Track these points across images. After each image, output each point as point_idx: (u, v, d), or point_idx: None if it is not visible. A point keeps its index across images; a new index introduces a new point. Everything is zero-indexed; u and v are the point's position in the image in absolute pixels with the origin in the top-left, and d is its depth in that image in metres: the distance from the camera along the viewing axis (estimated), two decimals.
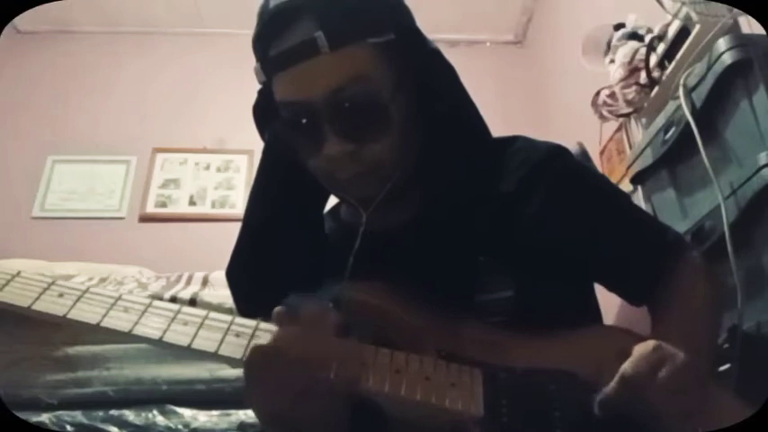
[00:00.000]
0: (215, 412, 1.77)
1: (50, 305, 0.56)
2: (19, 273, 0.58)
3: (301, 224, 0.80)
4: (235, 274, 0.82)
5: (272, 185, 0.80)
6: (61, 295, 0.57)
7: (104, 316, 0.57)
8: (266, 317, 0.64)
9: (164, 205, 3.21)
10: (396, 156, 0.72)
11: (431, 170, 0.75)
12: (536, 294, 0.69)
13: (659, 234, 0.83)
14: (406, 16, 0.76)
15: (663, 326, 0.72)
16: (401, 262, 0.71)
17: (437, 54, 0.75)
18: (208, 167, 3.32)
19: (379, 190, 0.72)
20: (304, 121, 0.70)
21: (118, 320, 0.57)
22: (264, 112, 0.77)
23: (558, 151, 0.81)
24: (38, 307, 0.56)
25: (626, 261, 0.78)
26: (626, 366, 0.57)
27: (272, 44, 0.71)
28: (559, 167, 0.79)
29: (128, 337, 0.57)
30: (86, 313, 0.57)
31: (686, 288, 0.76)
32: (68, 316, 0.56)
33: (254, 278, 0.80)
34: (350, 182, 0.72)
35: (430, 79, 0.74)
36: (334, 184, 0.75)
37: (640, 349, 0.58)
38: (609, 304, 0.86)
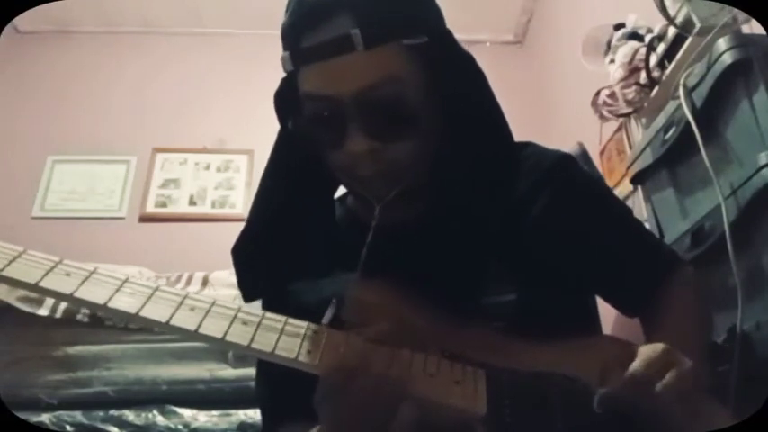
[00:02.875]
0: (215, 412, 1.77)
1: (58, 283, 0.55)
2: (25, 250, 0.56)
3: (312, 210, 0.80)
4: (241, 253, 0.81)
5: (286, 171, 0.80)
6: (68, 275, 0.56)
7: (111, 297, 0.56)
8: (267, 302, 0.64)
9: (164, 205, 3.21)
10: (416, 157, 0.72)
11: (446, 171, 0.76)
12: (537, 300, 0.69)
13: (656, 249, 0.85)
14: (440, 19, 0.76)
15: (656, 336, 0.72)
16: (408, 258, 0.72)
17: (469, 59, 0.75)
18: (208, 167, 3.32)
19: (395, 188, 0.73)
20: (329, 115, 0.70)
21: (125, 303, 0.56)
22: (286, 100, 0.76)
23: (566, 160, 0.83)
24: (45, 284, 0.55)
25: (623, 273, 0.80)
26: (635, 365, 0.57)
27: (305, 35, 0.70)
28: (566, 176, 0.81)
29: (134, 319, 0.56)
30: (93, 293, 0.55)
31: (679, 302, 0.77)
32: (75, 294, 0.55)
33: (260, 259, 0.79)
34: (369, 179, 0.72)
35: (459, 84, 0.74)
36: (351, 179, 0.75)
37: (649, 350, 0.59)
38: (609, 314, 0.86)
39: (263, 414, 0.83)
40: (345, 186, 0.82)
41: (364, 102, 0.68)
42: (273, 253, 0.78)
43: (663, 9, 1.43)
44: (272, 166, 0.81)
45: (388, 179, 0.72)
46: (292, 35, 0.71)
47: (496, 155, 0.77)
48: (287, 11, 0.73)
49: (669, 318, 0.75)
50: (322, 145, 0.74)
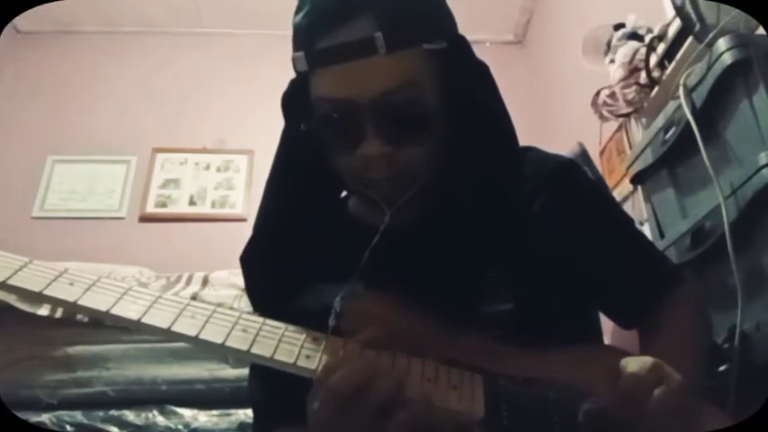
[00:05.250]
0: (215, 412, 1.77)
1: (62, 291, 0.58)
2: (31, 260, 0.59)
3: (318, 214, 0.80)
4: (249, 260, 0.81)
5: (292, 175, 0.79)
6: (72, 284, 0.58)
7: (114, 305, 0.58)
8: (277, 306, 0.64)
9: (164, 205, 3.22)
10: (427, 161, 0.72)
11: (453, 176, 0.75)
12: (536, 310, 0.69)
13: (658, 263, 0.83)
14: (455, 25, 0.76)
15: (650, 351, 0.71)
16: (411, 262, 0.72)
17: (483, 67, 0.75)
18: (208, 167, 3.33)
19: (406, 192, 0.72)
20: (345, 118, 0.69)
21: (127, 310, 0.58)
22: (294, 102, 0.75)
23: (569, 164, 0.82)
24: (49, 292, 0.57)
25: (622, 285, 0.79)
26: (623, 381, 0.57)
27: (322, 36, 0.68)
28: (569, 180, 0.80)
29: (136, 325, 0.57)
30: (96, 301, 0.58)
31: (677, 319, 0.76)
32: (79, 302, 0.57)
33: (268, 266, 0.79)
34: (381, 182, 0.71)
35: (473, 91, 0.74)
36: (361, 183, 0.74)
37: (637, 365, 0.58)
38: (611, 324, 0.86)
39: (255, 414, 0.83)
40: (352, 190, 0.81)
41: (383, 106, 0.67)
42: (280, 259, 0.78)
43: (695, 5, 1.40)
44: (277, 169, 0.81)
45: (399, 183, 0.72)
46: (307, 35, 0.70)
47: (502, 161, 0.77)
48: (300, 10, 0.72)
49: (665, 333, 0.74)
50: (333, 148, 0.73)
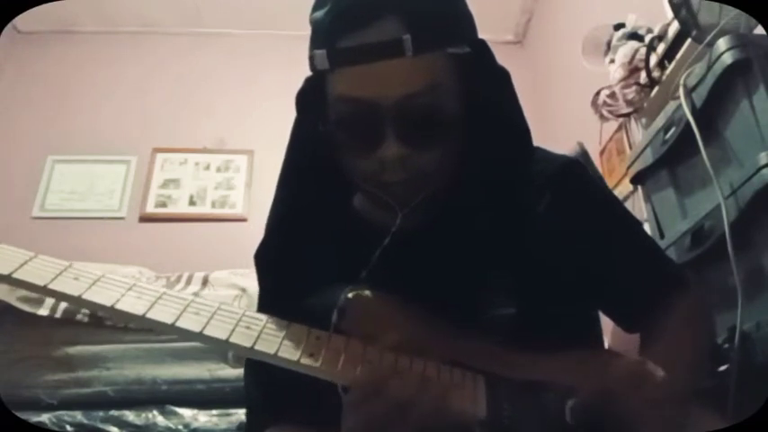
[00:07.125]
0: (215, 412, 1.77)
1: (66, 286, 0.57)
2: (37, 255, 0.59)
3: (330, 214, 0.80)
4: (263, 259, 0.81)
5: (305, 175, 0.79)
6: (77, 278, 0.58)
7: (119, 300, 0.58)
8: (289, 305, 0.65)
9: (164, 205, 3.22)
10: (442, 164, 0.72)
11: (468, 179, 0.75)
12: (538, 314, 0.68)
13: (663, 265, 0.83)
14: (476, 30, 0.76)
15: (647, 354, 0.71)
16: (415, 264, 0.72)
17: (504, 74, 0.76)
18: (208, 167, 3.33)
19: (419, 194, 0.72)
20: (365, 119, 0.68)
21: (132, 305, 0.58)
22: (309, 100, 0.75)
23: (573, 165, 0.81)
24: (54, 286, 0.57)
25: (626, 288, 0.78)
26: (606, 378, 0.58)
27: (346, 35, 0.67)
28: (572, 183, 0.79)
29: (140, 321, 0.57)
30: (101, 296, 0.57)
31: (679, 322, 0.75)
32: (84, 297, 0.57)
33: (281, 264, 0.79)
34: (396, 185, 0.71)
35: (493, 97, 0.74)
36: (375, 184, 0.73)
37: (620, 364, 0.59)
38: (611, 324, 0.86)
39: (250, 411, 0.82)
40: (364, 191, 0.80)
41: (405, 108, 0.66)
42: (293, 258, 0.78)
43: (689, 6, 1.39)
44: (288, 168, 0.80)
45: (414, 185, 0.71)
46: (330, 33, 0.68)
47: (516, 168, 0.77)
48: (320, 7, 0.70)
49: (664, 337, 0.73)
50: (349, 148, 0.72)
